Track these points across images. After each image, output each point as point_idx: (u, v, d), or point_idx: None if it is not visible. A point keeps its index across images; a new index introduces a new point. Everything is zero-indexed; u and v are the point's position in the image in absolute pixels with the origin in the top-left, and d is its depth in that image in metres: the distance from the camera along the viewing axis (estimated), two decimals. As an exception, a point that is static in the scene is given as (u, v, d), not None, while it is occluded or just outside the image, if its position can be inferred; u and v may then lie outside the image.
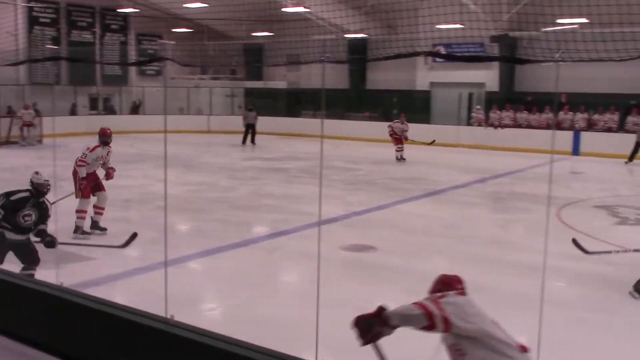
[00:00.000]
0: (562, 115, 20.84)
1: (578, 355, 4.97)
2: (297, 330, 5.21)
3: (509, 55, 22.07)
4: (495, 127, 21.94)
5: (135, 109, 27.84)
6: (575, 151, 19.98)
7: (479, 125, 22.61)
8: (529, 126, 21.60)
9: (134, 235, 6.39)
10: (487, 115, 22.72)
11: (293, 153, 19.58)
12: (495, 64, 23.87)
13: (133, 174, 13.77)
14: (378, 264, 7.41)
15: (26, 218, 5.92)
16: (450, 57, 17.27)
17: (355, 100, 26.97)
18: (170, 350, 2.58)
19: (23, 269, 5.88)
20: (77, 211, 8.47)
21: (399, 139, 17.77)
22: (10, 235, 5.84)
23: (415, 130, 22.95)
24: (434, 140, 18.45)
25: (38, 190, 6.07)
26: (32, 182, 6.13)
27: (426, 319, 2.78)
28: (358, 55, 25.71)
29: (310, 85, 27.96)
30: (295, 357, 2.75)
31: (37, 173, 6.22)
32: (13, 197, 5.90)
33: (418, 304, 2.84)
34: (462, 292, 3.17)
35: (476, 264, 7.58)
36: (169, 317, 2.61)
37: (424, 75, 25.91)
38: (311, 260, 5.64)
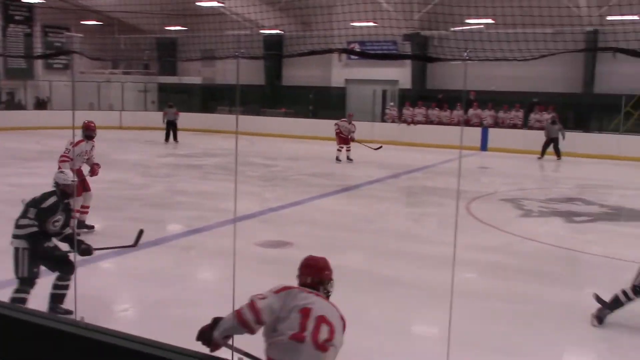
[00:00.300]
0: (471, 112, 21.61)
1: (487, 344, 5.17)
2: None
3: (421, 53, 22.67)
4: (408, 123, 22.48)
5: (42, 104, 26.69)
6: (484, 147, 20.76)
7: (393, 121, 23.12)
8: (440, 123, 22.26)
9: (140, 232, 6.12)
10: (400, 112, 23.25)
11: (208, 149, 19.35)
12: (408, 62, 24.48)
13: (40, 172, 13.18)
14: (294, 259, 7.37)
15: (56, 224, 5.44)
16: (363, 55, 17.49)
17: (271, 97, 26.96)
18: (81, 354, 2.50)
19: (59, 278, 5.40)
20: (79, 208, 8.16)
21: (344, 138, 16.83)
22: (47, 244, 5.37)
23: (331, 127, 23.23)
24: (380, 146, 17.30)
25: (64, 192, 5.59)
26: (57, 184, 5.62)
27: (241, 326, 3.11)
28: (273, 52, 25.69)
29: (226, 81, 27.72)
30: (212, 355, 2.73)
31: (62, 172, 5.71)
32: (44, 205, 5.38)
33: (237, 312, 3.11)
34: (317, 276, 3.35)
35: (390, 257, 7.75)
36: (79, 319, 2.53)
37: (339, 72, 26.22)
38: (227, 257, 5.62)
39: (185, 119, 22.64)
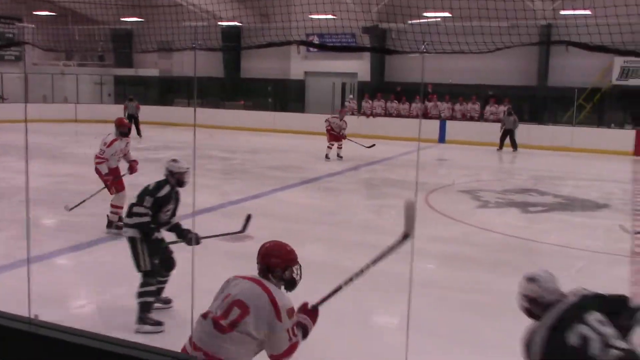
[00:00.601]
0: (429, 104, 21.84)
1: (448, 333, 5.24)
2: (173, 323, 5.12)
3: (379, 46, 22.78)
4: (367, 116, 22.59)
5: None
6: (442, 139, 21.00)
7: (352, 114, 23.17)
8: (399, 115, 22.43)
9: (248, 217, 5.97)
10: (359, 105, 23.34)
11: (167, 142, 19.10)
12: (367, 54, 24.57)
13: (-8, 166, 12.88)
14: (255, 252, 7.40)
15: (167, 213, 5.36)
16: (322, 47, 17.50)
17: (230, 89, 26.76)
18: (34, 351, 2.45)
19: (159, 274, 5.34)
20: (113, 206, 8.10)
21: (335, 135, 16.00)
22: (157, 236, 5.27)
23: (290, 119, 23.22)
24: (374, 144, 16.76)
25: (179, 180, 5.46)
26: (170, 172, 5.46)
27: None
28: (231, 43, 25.51)
29: (183, 73, 27.40)
30: (171, 350, 2.70)
31: (175, 161, 5.55)
32: (159, 194, 5.27)
33: None
34: (263, 262, 3.40)
35: (351, 249, 7.78)
36: (33, 317, 2.47)
37: (298, 65, 26.17)
38: (186, 251, 5.56)
39: (142, 111, 22.31)
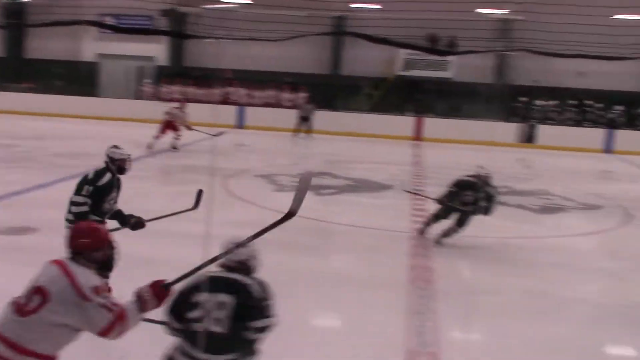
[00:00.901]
0: (228, 90, 21.94)
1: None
2: None
3: (176, 30, 22.40)
4: (167, 101, 22.08)
5: None
6: (240, 124, 21.21)
7: (148, 99, 22.53)
8: (198, 100, 22.20)
9: (200, 193, 5.90)
10: (156, 89, 22.76)
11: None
12: (165, 38, 23.97)
13: None
14: (39, 246, 6.95)
15: (111, 202, 5.17)
16: (115, 29, 16.71)
17: (13, 70, 24.59)
18: None
19: None
20: None
21: (173, 126, 15.08)
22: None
23: (81, 103, 21.94)
24: (222, 132, 14.57)
25: (120, 167, 5.32)
26: (111, 159, 5.29)
27: None
28: (13, 20, 23.51)
29: (-45, 51, 24.68)
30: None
31: (116, 147, 5.37)
32: (100, 183, 5.09)
33: None
34: (70, 245, 3.15)
35: (148, 237, 7.56)
36: None
37: (90, 46, 24.78)
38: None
39: None
